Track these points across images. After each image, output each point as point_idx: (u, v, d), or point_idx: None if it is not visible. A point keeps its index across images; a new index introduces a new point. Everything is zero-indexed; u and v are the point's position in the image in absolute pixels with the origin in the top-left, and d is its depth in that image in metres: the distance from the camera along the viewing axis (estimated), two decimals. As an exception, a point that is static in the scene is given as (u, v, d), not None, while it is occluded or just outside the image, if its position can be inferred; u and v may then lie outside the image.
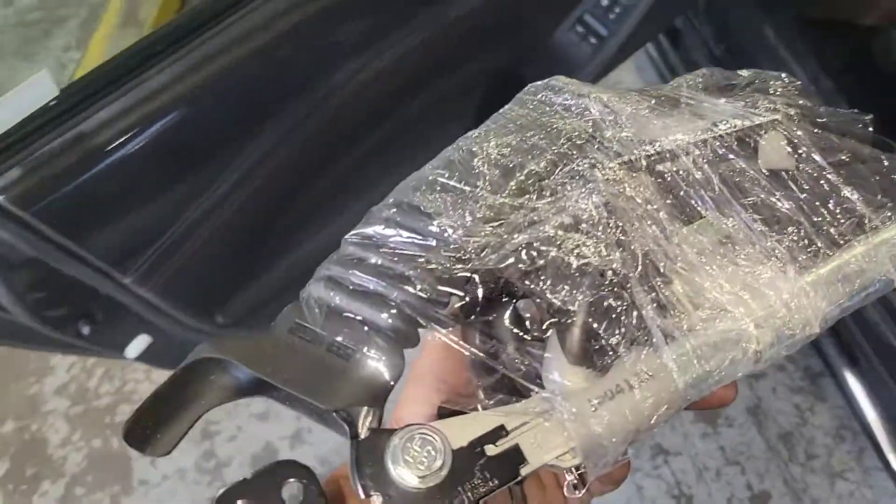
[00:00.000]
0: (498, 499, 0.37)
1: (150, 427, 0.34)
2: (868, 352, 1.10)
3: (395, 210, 0.37)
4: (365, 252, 0.36)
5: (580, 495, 0.39)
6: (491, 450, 0.32)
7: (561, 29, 1.11)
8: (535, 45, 1.11)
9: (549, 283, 0.34)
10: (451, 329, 0.36)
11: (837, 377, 1.21)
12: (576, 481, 0.38)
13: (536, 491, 0.45)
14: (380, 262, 0.35)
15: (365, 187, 0.95)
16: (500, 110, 0.42)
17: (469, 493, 0.31)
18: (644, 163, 0.38)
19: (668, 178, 0.38)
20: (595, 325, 0.33)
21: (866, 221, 0.38)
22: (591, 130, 0.39)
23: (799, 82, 0.43)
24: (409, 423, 0.36)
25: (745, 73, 0.45)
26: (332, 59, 0.81)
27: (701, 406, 0.43)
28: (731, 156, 0.38)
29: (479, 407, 0.36)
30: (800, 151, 0.39)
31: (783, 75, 0.45)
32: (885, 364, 1.07)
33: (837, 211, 0.38)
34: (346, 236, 0.38)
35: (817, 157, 0.39)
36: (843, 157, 0.39)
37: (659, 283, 0.35)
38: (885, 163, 0.39)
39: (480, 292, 0.35)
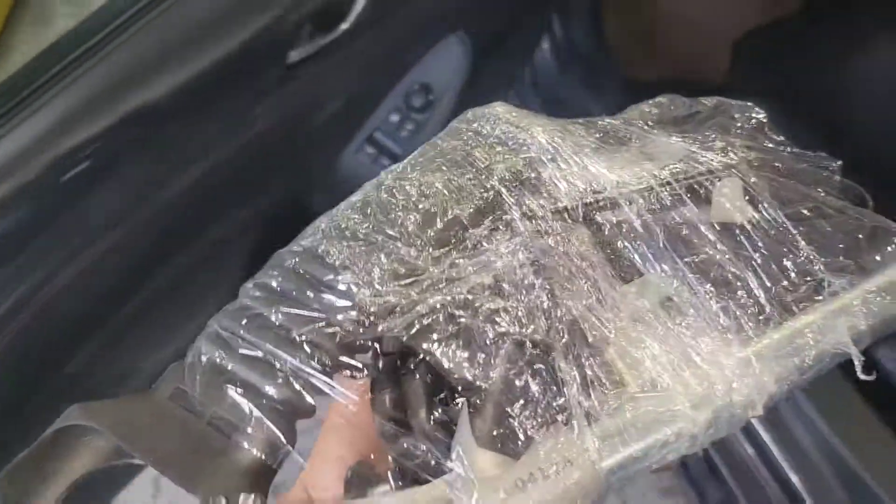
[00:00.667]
0: None
1: (29, 483, 0.31)
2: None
3: (298, 259, 0.33)
4: (261, 306, 0.32)
5: None
6: None
7: (348, 151, 1.01)
8: (322, 171, 1.00)
9: (460, 354, 0.30)
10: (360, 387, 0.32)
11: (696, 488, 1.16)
12: None
13: None
14: (275, 320, 0.31)
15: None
16: (432, 139, 0.38)
17: None
18: (581, 212, 0.34)
19: (607, 231, 0.34)
20: (508, 407, 0.30)
21: (825, 286, 0.34)
22: (526, 171, 0.35)
23: (763, 115, 0.39)
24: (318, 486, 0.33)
25: (707, 101, 0.41)
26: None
27: None
28: (679, 206, 0.34)
29: (389, 476, 0.32)
30: (757, 203, 0.35)
31: (748, 105, 0.40)
32: (737, 480, 1.02)
33: (793, 273, 0.34)
34: (247, 283, 0.34)
35: (775, 211, 0.35)
36: (805, 211, 0.35)
37: (586, 356, 0.31)
38: (851, 219, 0.35)
39: (381, 363, 0.31)
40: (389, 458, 0.33)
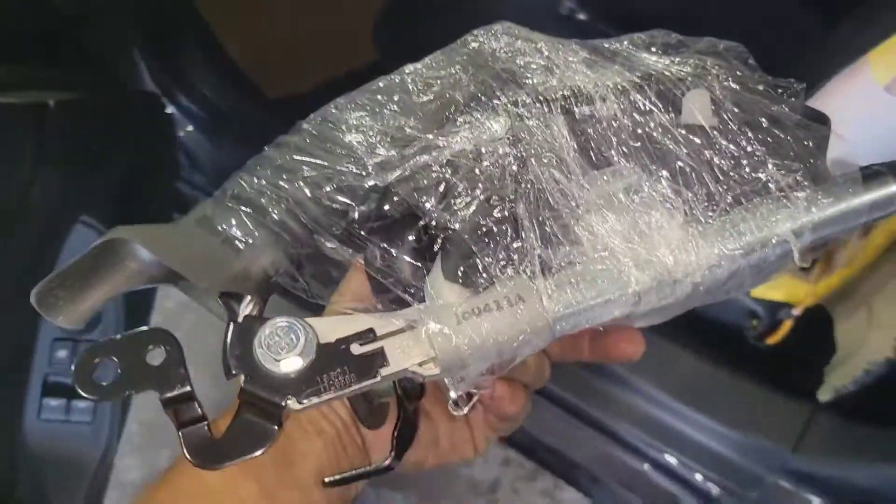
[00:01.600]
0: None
1: (61, 297, 0.37)
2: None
3: (316, 122, 0.39)
4: (277, 153, 0.38)
5: (462, 413, 0.41)
6: (356, 349, 0.34)
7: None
8: None
9: (436, 202, 0.35)
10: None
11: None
12: (456, 398, 0.40)
13: (444, 416, 0.47)
14: (284, 164, 0.37)
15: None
16: (445, 48, 0.44)
17: (326, 383, 0.33)
18: (561, 103, 0.39)
19: (581, 121, 0.38)
20: (474, 245, 0.35)
21: (772, 185, 0.38)
22: (519, 72, 0.40)
23: (746, 52, 0.43)
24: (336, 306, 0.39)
25: (698, 39, 0.45)
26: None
27: (603, 357, 0.44)
28: (649, 107, 0.39)
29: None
30: (720, 111, 0.39)
31: (737, 44, 0.45)
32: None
33: (746, 170, 0.38)
34: (269, 145, 0.40)
35: (737, 119, 0.39)
36: (763, 121, 0.39)
37: (547, 216, 0.36)
38: (805, 131, 0.39)
39: (374, 206, 0.36)
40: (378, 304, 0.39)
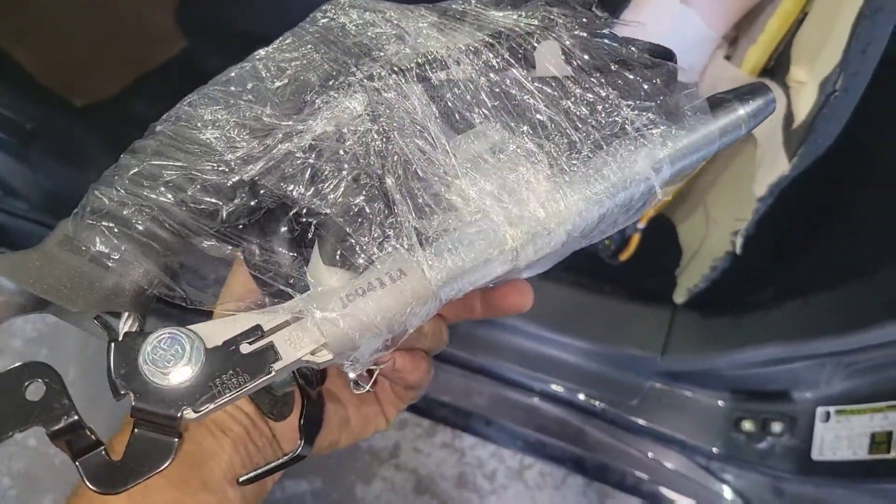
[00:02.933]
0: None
1: None
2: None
3: (169, 123, 0.37)
4: (133, 162, 0.36)
5: (364, 391, 0.41)
6: (245, 348, 0.33)
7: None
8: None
9: (304, 189, 0.35)
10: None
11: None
12: (354, 378, 0.40)
13: (351, 396, 0.47)
14: (143, 171, 0.36)
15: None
16: (294, 28, 0.43)
17: (220, 388, 0.33)
18: (416, 72, 0.39)
19: (438, 87, 0.39)
20: (348, 227, 0.35)
21: (628, 126, 0.39)
22: (372, 45, 0.40)
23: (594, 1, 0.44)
24: (226, 299, 0.38)
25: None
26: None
27: (495, 313, 0.45)
28: (502, 64, 0.40)
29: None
30: (571, 60, 0.40)
31: (584, -8, 0.45)
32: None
33: (602, 115, 0.39)
34: (124, 153, 0.38)
35: (588, 66, 0.40)
36: (613, 65, 0.40)
37: (418, 187, 0.36)
38: (653, 70, 0.40)
39: (241, 202, 0.36)
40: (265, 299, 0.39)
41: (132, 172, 0.36)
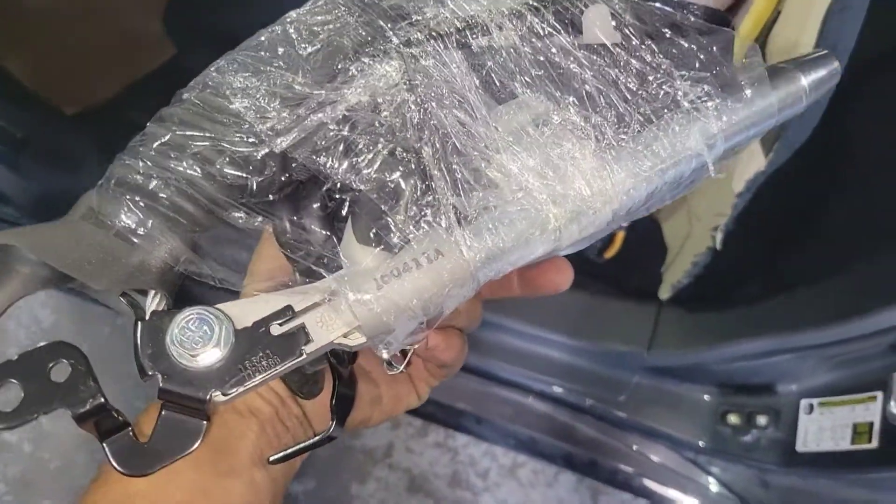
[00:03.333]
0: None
1: None
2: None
3: (197, 90, 0.36)
4: (160, 131, 0.35)
5: (397, 372, 0.40)
6: (276, 329, 0.32)
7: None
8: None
9: (337, 162, 0.33)
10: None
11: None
12: (387, 358, 0.39)
13: (383, 374, 0.46)
14: (170, 141, 0.34)
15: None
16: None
17: (250, 370, 0.31)
18: (456, 38, 0.37)
19: (479, 54, 0.36)
20: (383, 204, 0.33)
21: (680, 98, 0.37)
22: (408, 9, 0.38)
23: None
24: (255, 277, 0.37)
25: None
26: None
27: (533, 291, 0.43)
28: (548, 30, 0.37)
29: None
30: (621, 26, 0.38)
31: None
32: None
33: (653, 86, 0.37)
34: (151, 121, 0.37)
35: (639, 32, 0.37)
36: (667, 31, 0.38)
37: (457, 162, 0.34)
38: (709, 36, 0.38)
39: (272, 175, 0.34)
40: (296, 275, 0.37)
41: (158, 143, 0.34)
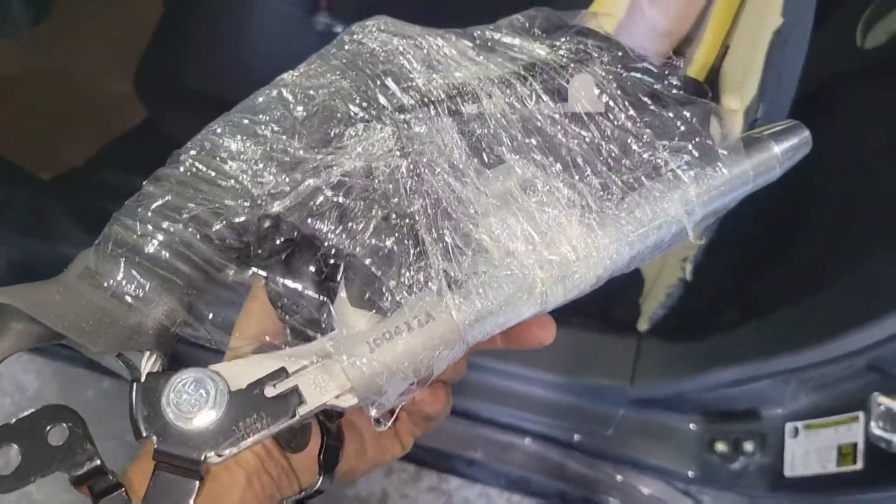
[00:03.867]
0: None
1: None
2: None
3: (194, 152, 0.37)
4: (157, 192, 0.35)
5: (383, 429, 0.40)
6: (269, 391, 0.33)
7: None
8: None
9: (332, 227, 0.34)
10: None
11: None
12: (376, 416, 0.40)
13: (368, 426, 0.46)
14: (166, 203, 0.35)
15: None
16: (320, 50, 0.42)
17: (243, 431, 0.32)
18: (447, 105, 0.38)
19: (469, 120, 0.38)
20: (376, 269, 0.34)
21: (662, 166, 0.38)
22: (401, 73, 0.39)
23: None
24: (243, 336, 0.37)
25: (576, 14, 0.45)
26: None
27: (516, 345, 0.44)
28: (535, 98, 0.39)
29: (284, 349, 0.37)
30: (605, 96, 0.39)
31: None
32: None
33: (636, 155, 0.38)
34: (147, 181, 0.37)
35: (621, 102, 0.39)
36: (648, 102, 0.39)
37: (447, 227, 0.35)
38: (689, 107, 0.40)
39: (269, 250, 0.35)
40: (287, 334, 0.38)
41: (156, 204, 0.35)
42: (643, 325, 1.05)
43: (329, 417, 0.40)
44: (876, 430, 0.82)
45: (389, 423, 0.41)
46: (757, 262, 1.05)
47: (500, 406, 1.13)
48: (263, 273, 0.37)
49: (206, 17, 1.15)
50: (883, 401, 0.82)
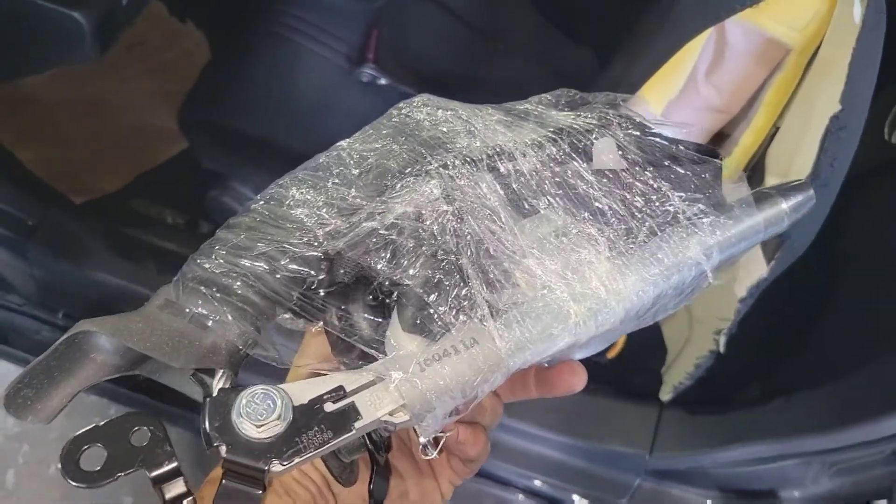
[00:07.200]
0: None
1: (29, 397, 0.37)
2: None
3: (262, 202, 0.41)
4: (230, 233, 0.40)
5: (431, 457, 0.43)
6: (329, 406, 0.36)
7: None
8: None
9: (387, 261, 0.39)
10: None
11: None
12: (426, 442, 0.42)
13: (411, 470, 0.49)
14: (240, 243, 0.39)
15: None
16: (373, 122, 0.47)
17: (305, 443, 0.35)
18: (486, 163, 0.43)
19: (506, 176, 0.43)
20: (426, 297, 0.38)
21: (680, 214, 0.42)
22: (444, 138, 0.44)
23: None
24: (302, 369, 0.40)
25: (599, 95, 0.51)
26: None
27: (549, 390, 0.47)
28: (564, 157, 0.44)
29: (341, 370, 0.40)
30: (626, 155, 0.44)
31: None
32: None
33: (656, 205, 0.43)
34: (220, 228, 0.42)
35: (641, 160, 0.44)
36: (665, 161, 0.44)
37: (489, 264, 0.39)
38: (701, 165, 0.44)
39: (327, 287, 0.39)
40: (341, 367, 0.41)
41: (230, 245, 0.39)
42: (666, 395, 1.05)
43: (378, 449, 0.43)
44: (900, 518, 0.81)
45: (436, 452, 0.43)
46: (782, 339, 1.05)
47: (509, 464, 1.12)
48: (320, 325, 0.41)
49: (253, 62, 1.19)
50: (910, 490, 0.81)
